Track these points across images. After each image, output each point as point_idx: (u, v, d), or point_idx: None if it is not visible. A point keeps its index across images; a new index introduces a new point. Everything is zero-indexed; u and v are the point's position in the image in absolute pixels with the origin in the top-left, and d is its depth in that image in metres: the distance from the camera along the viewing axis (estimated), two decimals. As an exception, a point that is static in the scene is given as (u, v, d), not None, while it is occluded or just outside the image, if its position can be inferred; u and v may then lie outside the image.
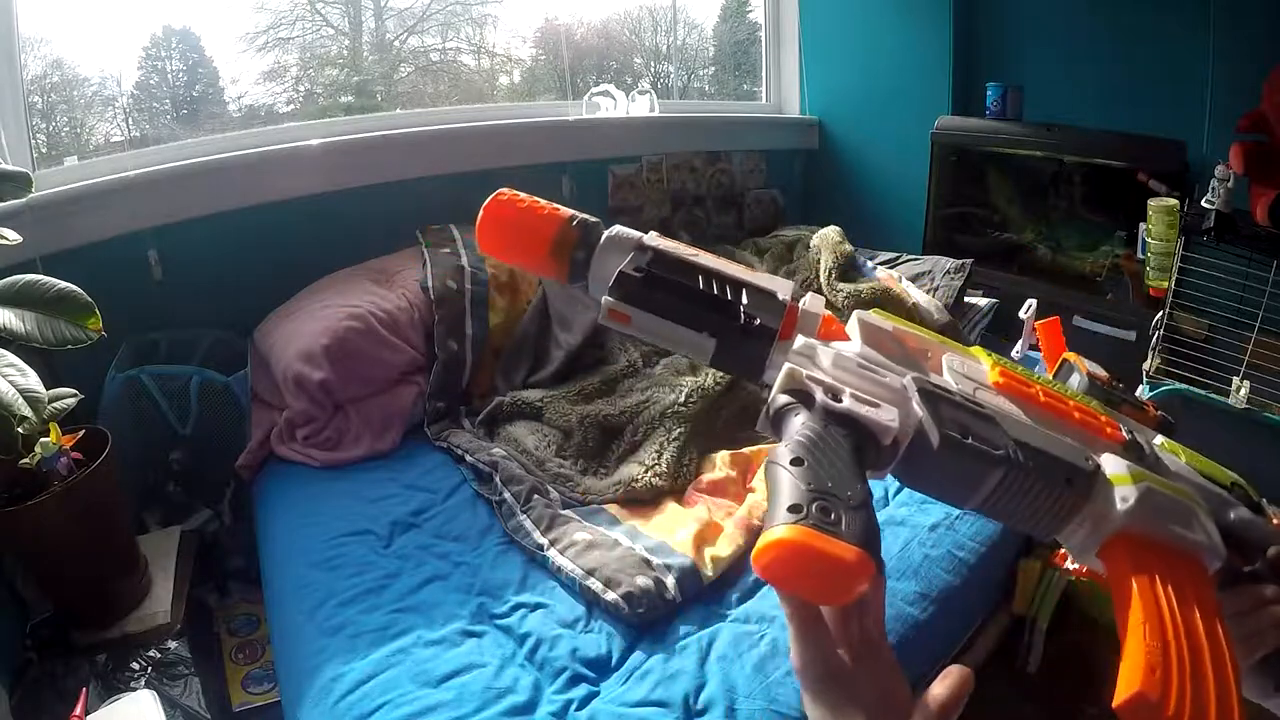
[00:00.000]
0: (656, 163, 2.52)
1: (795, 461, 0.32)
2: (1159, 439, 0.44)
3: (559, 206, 0.45)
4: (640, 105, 2.45)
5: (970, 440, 0.35)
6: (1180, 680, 0.31)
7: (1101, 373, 0.52)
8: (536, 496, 1.37)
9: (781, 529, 0.29)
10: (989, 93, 2.25)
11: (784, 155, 2.86)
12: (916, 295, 1.98)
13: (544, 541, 1.26)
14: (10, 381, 1.08)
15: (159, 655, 1.26)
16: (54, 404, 1.18)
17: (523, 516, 1.33)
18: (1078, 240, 2.32)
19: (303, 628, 1.12)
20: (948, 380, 0.40)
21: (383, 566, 1.23)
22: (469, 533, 1.35)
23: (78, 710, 1.02)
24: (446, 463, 1.56)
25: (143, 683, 1.20)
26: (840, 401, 0.36)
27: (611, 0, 2.76)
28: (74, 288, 1.18)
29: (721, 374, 1.61)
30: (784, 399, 0.37)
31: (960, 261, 2.13)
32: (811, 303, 0.42)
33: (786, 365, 0.38)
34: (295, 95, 2.21)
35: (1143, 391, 1.78)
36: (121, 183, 1.63)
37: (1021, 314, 1.99)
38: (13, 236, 1.19)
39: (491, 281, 1.82)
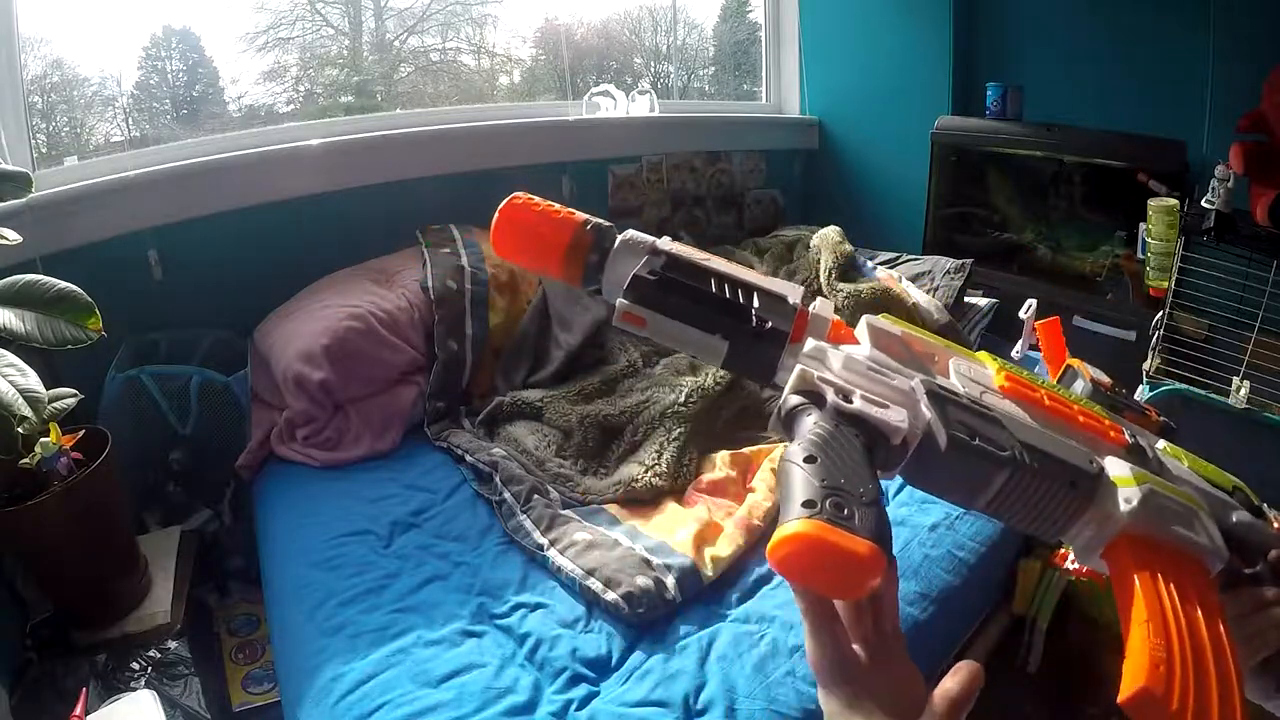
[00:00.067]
0: (656, 163, 2.52)
1: (809, 459, 0.33)
2: (1161, 443, 0.45)
3: (573, 210, 0.46)
4: (640, 105, 2.45)
5: (977, 442, 0.35)
6: (1184, 676, 0.32)
7: (1105, 378, 0.52)
8: (536, 496, 1.37)
9: (796, 523, 0.30)
10: (989, 93, 2.25)
11: (784, 155, 2.86)
12: (916, 295, 1.98)
13: (544, 541, 1.26)
14: (10, 381, 1.08)
15: (159, 655, 1.26)
16: (54, 404, 1.18)
17: (523, 516, 1.33)
18: (1078, 240, 2.32)
19: (303, 628, 1.12)
20: (954, 384, 0.40)
21: (383, 566, 1.23)
22: (469, 533, 1.35)
23: (78, 710, 1.02)
24: (446, 463, 1.56)
25: (143, 683, 1.20)
26: (851, 402, 0.37)
27: (611, 0, 2.76)
28: (74, 288, 1.18)
29: (721, 374, 1.61)
30: (796, 399, 0.37)
31: (960, 261, 2.13)
32: (821, 307, 0.43)
33: (798, 367, 0.39)
34: (295, 95, 2.21)
35: (1143, 392, 1.78)
36: (121, 183, 1.63)
37: (1021, 314, 1.99)
38: (13, 236, 1.19)
39: (491, 281, 1.82)
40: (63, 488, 1.18)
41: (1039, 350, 1.89)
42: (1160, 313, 1.80)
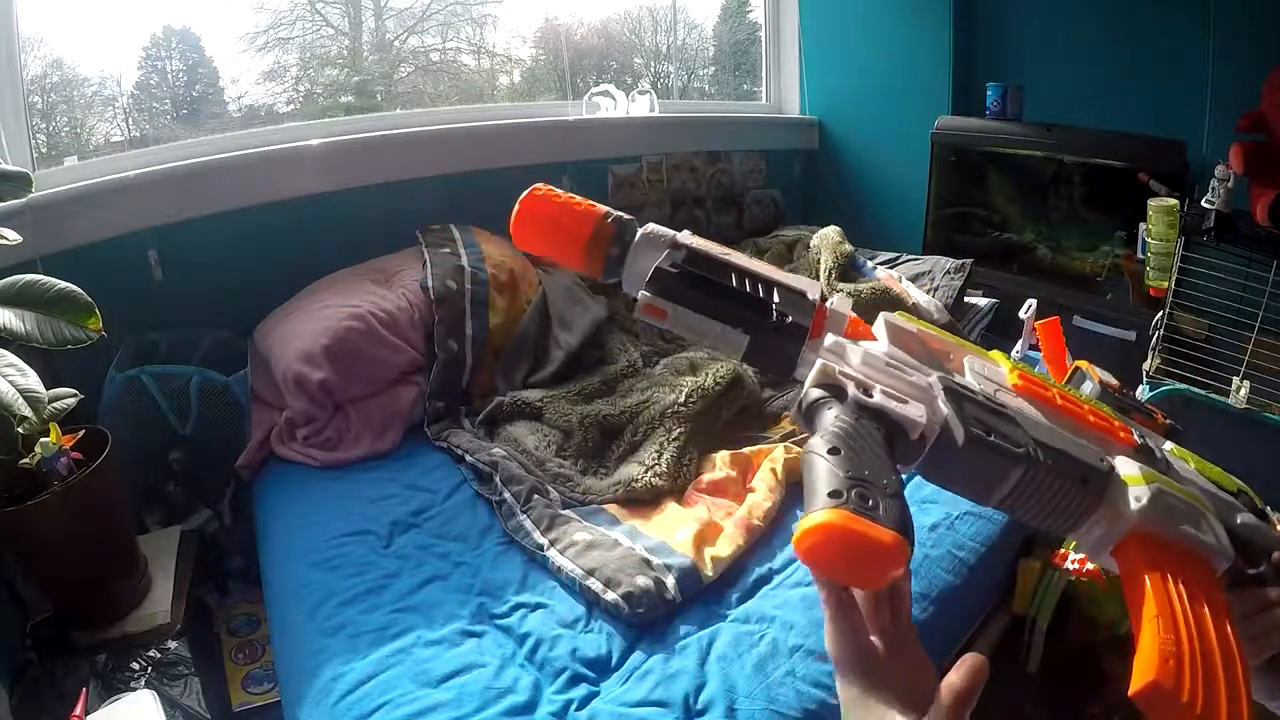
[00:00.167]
0: (656, 163, 2.52)
1: (832, 450, 0.34)
2: (1168, 445, 0.45)
3: (594, 203, 0.47)
4: (640, 105, 2.45)
5: (993, 438, 0.36)
6: (1193, 671, 0.32)
7: (1113, 380, 0.53)
8: (536, 496, 1.37)
9: (822, 513, 0.30)
10: (989, 93, 2.25)
11: (784, 155, 2.86)
12: (916, 295, 1.98)
13: (544, 541, 1.26)
14: (10, 381, 1.08)
15: (159, 655, 1.26)
16: (54, 404, 1.18)
17: (523, 516, 1.33)
18: (1078, 240, 2.32)
19: (303, 628, 1.12)
20: (970, 381, 0.41)
21: (383, 566, 1.23)
22: (469, 533, 1.34)
23: (78, 710, 1.02)
24: (446, 463, 1.56)
25: (143, 683, 1.20)
26: (872, 397, 0.37)
27: (611, 0, 2.76)
28: (74, 288, 1.18)
29: (722, 374, 1.61)
30: (817, 393, 0.38)
31: (960, 261, 2.13)
32: (839, 303, 0.44)
33: (819, 361, 0.39)
34: (295, 95, 2.21)
35: (1143, 392, 1.78)
36: (121, 183, 1.63)
37: (1021, 314, 1.99)
38: (13, 236, 1.19)
39: (491, 281, 1.82)
40: (63, 488, 1.18)
41: (1039, 350, 1.89)
42: (1160, 313, 1.80)
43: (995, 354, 0.45)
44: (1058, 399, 0.42)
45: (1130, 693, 0.33)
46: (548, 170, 2.26)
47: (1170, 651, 0.33)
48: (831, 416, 0.36)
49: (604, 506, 1.38)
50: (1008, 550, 1.40)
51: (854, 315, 0.44)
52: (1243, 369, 1.67)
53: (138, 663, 1.24)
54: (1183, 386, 1.75)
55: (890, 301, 1.90)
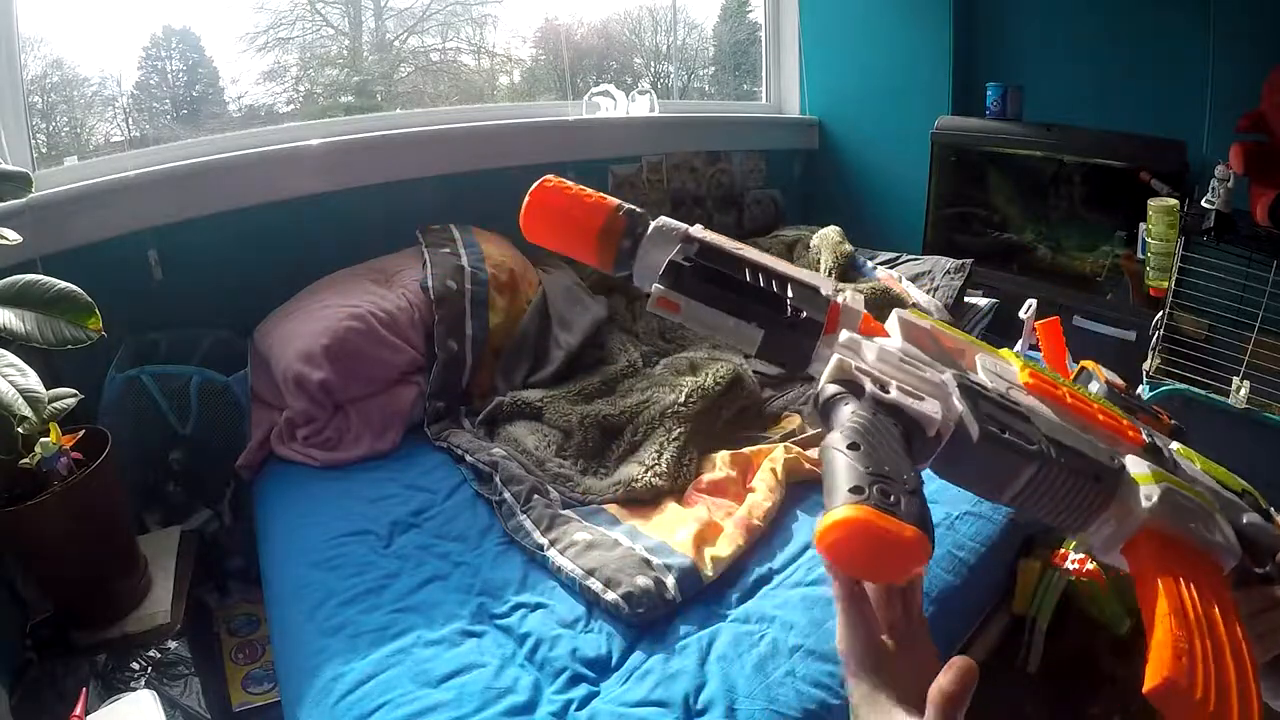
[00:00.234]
0: (656, 163, 2.52)
1: (852, 446, 0.34)
2: (1175, 444, 0.45)
3: (605, 195, 0.47)
4: (640, 105, 2.45)
5: (1007, 435, 0.36)
6: (1205, 668, 0.33)
7: (1118, 380, 0.53)
8: (536, 496, 1.37)
9: (845, 509, 0.30)
10: (989, 93, 2.25)
11: (784, 155, 2.86)
12: (916, 295, 1.99)
13: (544, 541, 1.26)
14: (10, 381, 1.08)
15: (159, 655, 1.26)
16: (54, 404, 1.18)
17: (523, 516, 1.33)
18: (1078, 240, 2.32)
19: (303, 628, 1.12)
20: (983, 378, 0.41)
21: (383, 566, 1.23)
22: (469, 533, 1.34)
23: (78, 710, 1.02)
24: (446, 463, 1.56)
25: (143, 683, 1.20)
26: (888, 393, 0.37)
27: (611, 0, 2.76)
28: (74, 288, 1.18)
29: (722, 374, 1.61)
30: (833, 388, 0.38)
31: (960, 261, 2.13)
32: (852, 299, 0.44)
33: (835, 356, 0.39)
34: (295, 95, 2.21)
35: (1143, 392, 1.78)
36: (121, 183, 1.63)
37: (1021, 314, 1.99)
38: (13, 236, 1.19)
39: (491, 281, 1.82)
40: (63, 488, 1.18)
41: (1039, 350, 1.89)
42: (1160, 313, 1.80)
43: (1005, 352, 0.45)
44: (1068, 397, 0.42)
45: (1144, 690, 0.33)
46: (547, 170, 2.24)
47: (1183, 649, 0.33)
48: (848, 412, 0.36)
49: (604, 506, 1.38)
50: (1008, 550, 1.40)
51: (866, 311, 0.44)
52: (1243, 369, 1.67)
53: (138, 663, 1.24)
54: (1183, 387, 1.75)
55: (890, 301, 1.90)
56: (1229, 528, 0.40)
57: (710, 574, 1.18)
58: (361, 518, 1.35)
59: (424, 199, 2.04)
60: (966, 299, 2.11)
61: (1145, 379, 1.80)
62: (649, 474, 1.41)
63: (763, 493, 1.36)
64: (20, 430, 1.09)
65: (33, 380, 1.10)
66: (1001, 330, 2.09)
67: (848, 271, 2.11)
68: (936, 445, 0.37)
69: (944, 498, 1.33)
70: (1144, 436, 0.43)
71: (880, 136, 2.70)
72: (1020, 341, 2.02)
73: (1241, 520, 0.42)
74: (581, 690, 1.03)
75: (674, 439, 1.48)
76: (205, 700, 1.24)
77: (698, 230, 0.45)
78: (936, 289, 2.08)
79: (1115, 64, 2.12)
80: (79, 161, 1.72)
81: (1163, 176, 1.92)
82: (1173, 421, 0.50)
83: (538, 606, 1.16)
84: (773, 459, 1.44)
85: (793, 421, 1.64)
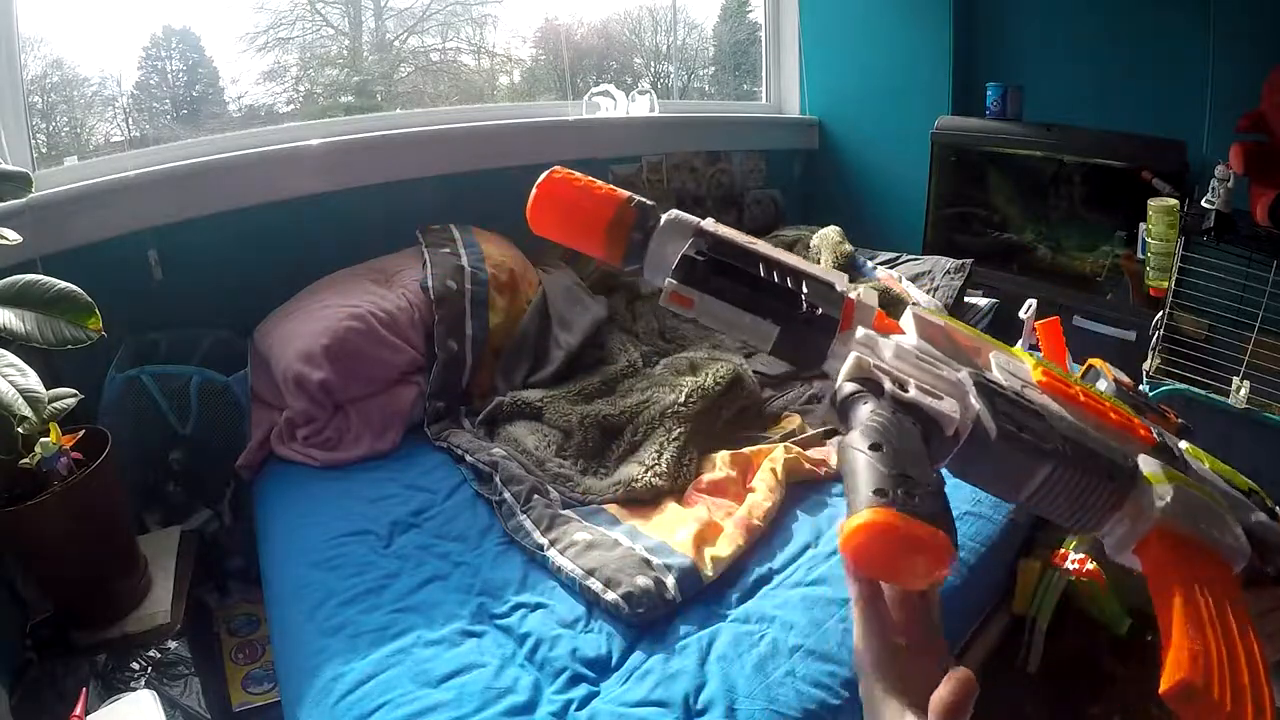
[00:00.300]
0: (656, 163, 2.52)
1: (874, 446, 0.33)
2: (1183, 443, 0.45)
3: (615, 187, 0.46)
4: (640, 105, 2.45)
5: (1025, 435, 0.36)
6: (1220, 669, 0.33)
7: (1126, 379, 0.53)
8: (536, 496, 1.37)
9: (869, 512, 0.30)
10: (989, 93, 2.25)
11: (784, 155, 2.86)
12: (916, 295, 1.99)
13: (544, 541, 1.26)
14: (10, 381, 1.08)
15: (159, 655, 1.26)
16: (54, 404, 1.18)
17: (523, 516, 1.33)
18: (1078, 240, 2.32)
19: (303, 628, 1.12)
20: (998, 376, 0.41)
21: (383, 566, 1.23)
22: (469, 533, 1.34)
23: (78, 710, 1.02)
24: (446, 463, 1.56)
25: (143, 683, 1.20)
26: (907, 391, 0.37)
27: (611, 0, 2.76)
28: (74, 288, 1.18)
29: (722, 374, 1.61)
30: (851, 386, 0.38)
31: (960, 261, 2.13)
32: (866, 295, 0.43)
33: (853, 354, 0.39)
34: (295, 95, 2.21)
35: (1142, 392, 1.78)
36: (121, 183, 1.63)
37: (1021, 314, 1.99)
38: (13, 236, 1.19)
39: (491, 281, 1.82)
40: (63, 488, 1.18)
41: (1039, 350, 1.89)
42: (1160, 313, 1.80)
43: (1018, 350, 0.44)
44: (1081, 396, 0.42)
45: (1161, 691, 0.33)
46: (547, 170, 2.26)
47: (1199, 651, 0.33)
48: (868, 411, 0.36)
49: (604, 506, 1.38)
50: (1008, 550, 1.40)
51: (880, 308, 0.43)
52: (1243, 369, 1.67)
53: (138, 663, 1.24)
54: (1183, 386, 1.75)
55: (890, 301, 1.90)
56: (1239, 528, 0.40)
57: (710, 574, 1.18)
58: (361, 518, 1.35)
59: (424, 199, 2.04)
60: (966, 299, 2.11)
61: (1145, 379, 1.80)
62: (649, 474, 1.41)
63: (763, 493, 1.36)
64: (20, 430, 1.09)
65: (33, 380, 1.10)
66: (1001, 330, 2.09)
67: (848, 272, 2.11)
68: (953, 445, 0.37)
69: (944, 498, 1.33)
70: (1155, 436, 0.42)
71: (880, 136, 2.70)
72: (1020, 341, 2.02)
73: (1250, 520, 0.42)
74: (581, 690, 1.03)
75: (674, 439, 1.48)
76: (205, 700, 1.24)
77: (710, 224, 0.44)
78: (936, 289, 2.08)
79: (1115, 64, 2.12)
80: (79, 161, 1.72)
81: (1163, 176, 1.92)
82: (1180, 420, 0.50)
83: (538, 606, 1.16)
84: (773, 459, 1.44)
85: (793, 421, 1.64)
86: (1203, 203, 1.70)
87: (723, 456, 1.47)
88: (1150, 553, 0.38)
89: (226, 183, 1.78)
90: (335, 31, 2.23)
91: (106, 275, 1.41)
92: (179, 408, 1.53)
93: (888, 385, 0.37)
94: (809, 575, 1.20)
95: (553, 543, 1.25)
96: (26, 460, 1.16)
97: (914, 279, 2.12)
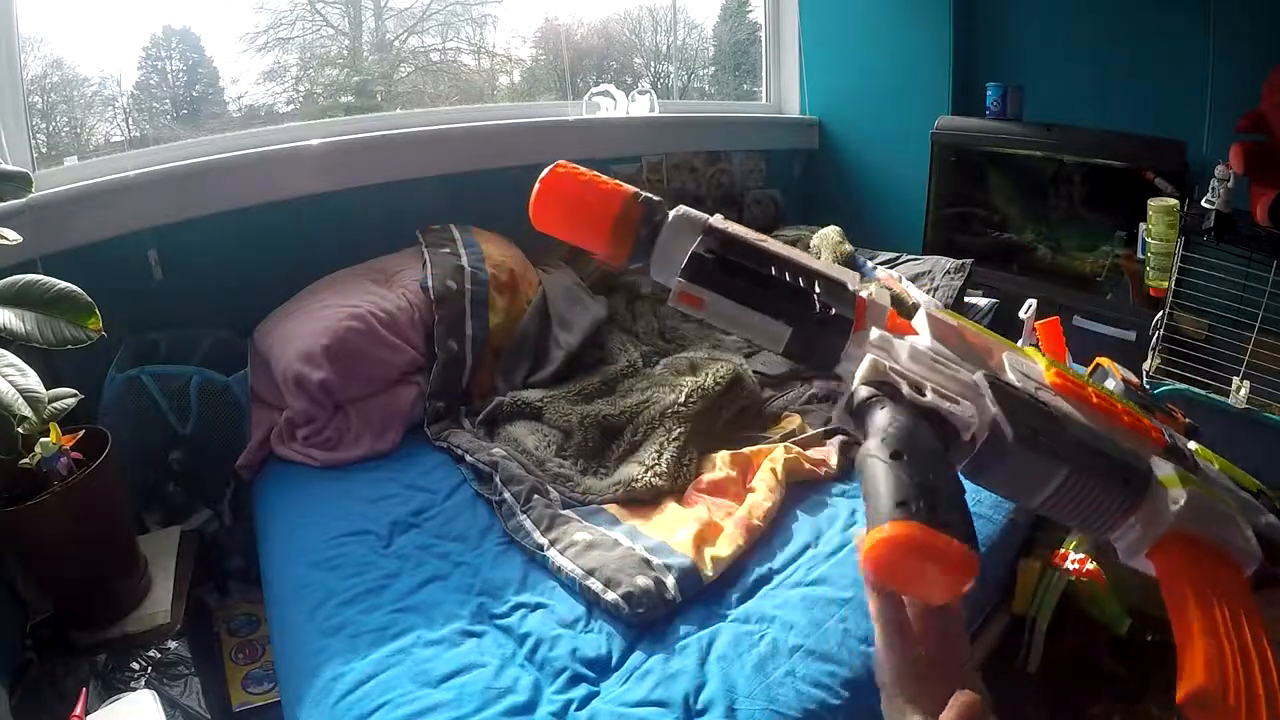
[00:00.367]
0: (656, 163, 2.52)
1: (895, 455, 0.32)
2: (1193, 444, 0.45)
3: (620, 182, 0.44)
4: (640, 105, 2.45)
5: (1041, 439, 0.35)
6: (1235, 674, 0.33)
7: (1134, 378, 0.53)
8: (536, 496, 1.37)
9: (893, 525, 0.29)
10: (989, 93, 2.25)
11: (784, 155, 2.86)
12: (916, 295, 1.98)
13: (544, 541, 1.26)
14: (10, 381, 1.08)
15: (159, 655, 1.26)
16: (54, 404, 1.18)
17: (523, 516, 1.33)
18: (1078, 240, 2.32)
19: (303, 628, 1.12)
20: (1013, 378, 0.40)
21: (383, 566, 1.23)
22: (469, 533, 1.34)
23: (78, 710, 1.02)
24: (446, 463, 1.56)
25: (143, 683, 1.20)
26: (925, 395, 0.36)
27: (611, 0, 2.76)
28: (74, 288, 1.18)
29: (722, 374, 1.61)
30: (867, 391, 0.37)
31: (960, 261, 2.13)
32: (878, 294, 0.42)
33: (869, 357, 0.38)
34: (295, 95, 2.21)
35: (1143, 392, 1.78)
36: (121, 183, 1.63)
37: (1021, 314, 1.98)
38: (13, 236, 1.19)
39: (491, 281, 1.82)
40: (63, 488, 1.18)
41: (1039, 350, 1.89)
42: (1160, 313, 1.80)
43: (1030, 350, 0.44)
44: (1094, 397, 0.41)
45: (1178, 698, 0.33)
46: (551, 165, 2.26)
47: (1214, 656, 0.33)
48: (885, 416, 0.35)
49: (604, 506, 1.38)
50: (1008, 550, 1.40)
51: (891, 308, 0.43)
52: (1243, 369, 1.67)
53: (138, 663, 1.24)
54: (1183, 386, 1.75)
55: (890, 301, 1.90)
56: (1249, 530, 0.40)
57: (710, 574, 1.18)
58: (361, 518, 1.35)
59: (424, 199, 2.04)
60: (966, 299, 2.11)
61: (1145, 379, 1.80)
62: (649, 474, 1.41)
63: (763, 493, 1.36)
64: (20, 430, 1.09)
65: (33, 380, 1.10)
66: (1001, 330, 2.05)
67: (848, 271, 2.11)
68: (970, 449, 0.36)
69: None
70: (1166, 437, 0.42)
71: (880, 136, 2.70)
72: (1020, 341, 2.01)
73: (1260, 521, 0.42)
74: (581, 690, 1.03)
75: (674, 439, 1.48)
76: (205, 700, 1.24)
77: (719, 220, 0.43)
78: (936, 289, 2.07)
79: (1115, 64, 2.12)
80: (79, 161, 1.72)
81: (1163, 176, 1.92)
82: (1187, 420, 0.49)
83: (538, 606, 1.16)
84: (773, 459, 1.44)
85: (793, 421, 1.64)
86: (1203, 203, 1.70)
87: (723, 456, 1.47)
88: (1163, 557, 0.37)
89: (226, 183, 1.78)
90: (335, 31, 2.23)
91: (106, 275, 1.41)
92: (179, 408, 1.53)
93: (905, 389, 0.36)
94: (809, 575, 1.20)
95: (553, 543, 1.25)
96: (26, 460, 1.16)
97: (914, 279, 2.12)
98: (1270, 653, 0.34)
